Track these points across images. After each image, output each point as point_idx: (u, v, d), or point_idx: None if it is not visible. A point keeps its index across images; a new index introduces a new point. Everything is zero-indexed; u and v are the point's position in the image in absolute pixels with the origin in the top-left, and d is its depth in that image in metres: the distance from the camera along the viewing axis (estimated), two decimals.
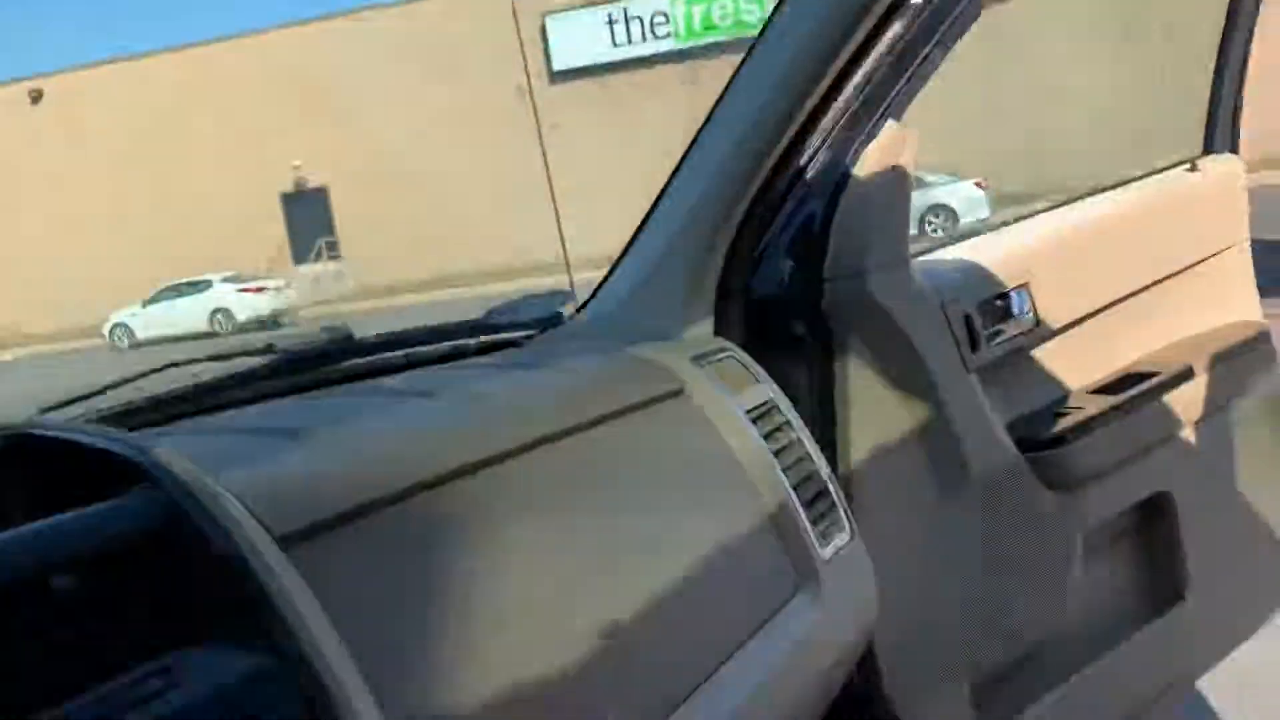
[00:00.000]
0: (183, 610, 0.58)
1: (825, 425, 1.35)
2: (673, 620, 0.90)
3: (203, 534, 0.59)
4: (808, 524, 1.12)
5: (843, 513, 1.19)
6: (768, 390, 1.20)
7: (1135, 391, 1.63)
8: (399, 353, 1.24)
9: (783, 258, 1.39)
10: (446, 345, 1.29)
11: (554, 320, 1.34)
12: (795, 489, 1.13)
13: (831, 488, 1.19)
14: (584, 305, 1.36)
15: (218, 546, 0.59)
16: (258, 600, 0.59)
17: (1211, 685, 1.99)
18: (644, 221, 1.37)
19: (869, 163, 1.38)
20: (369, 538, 0.73)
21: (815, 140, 1.35)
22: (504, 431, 0.90)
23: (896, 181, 1.39)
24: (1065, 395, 1.65)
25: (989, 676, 1.47)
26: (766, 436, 1.14)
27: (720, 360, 1.20)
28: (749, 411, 1.15)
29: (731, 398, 1.15)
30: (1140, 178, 1.86)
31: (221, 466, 0.68)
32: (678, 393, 1.11)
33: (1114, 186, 1.84)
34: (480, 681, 0.72)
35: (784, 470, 1.13)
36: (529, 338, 1.33)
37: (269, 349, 1.15)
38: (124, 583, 0.57)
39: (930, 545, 1.42)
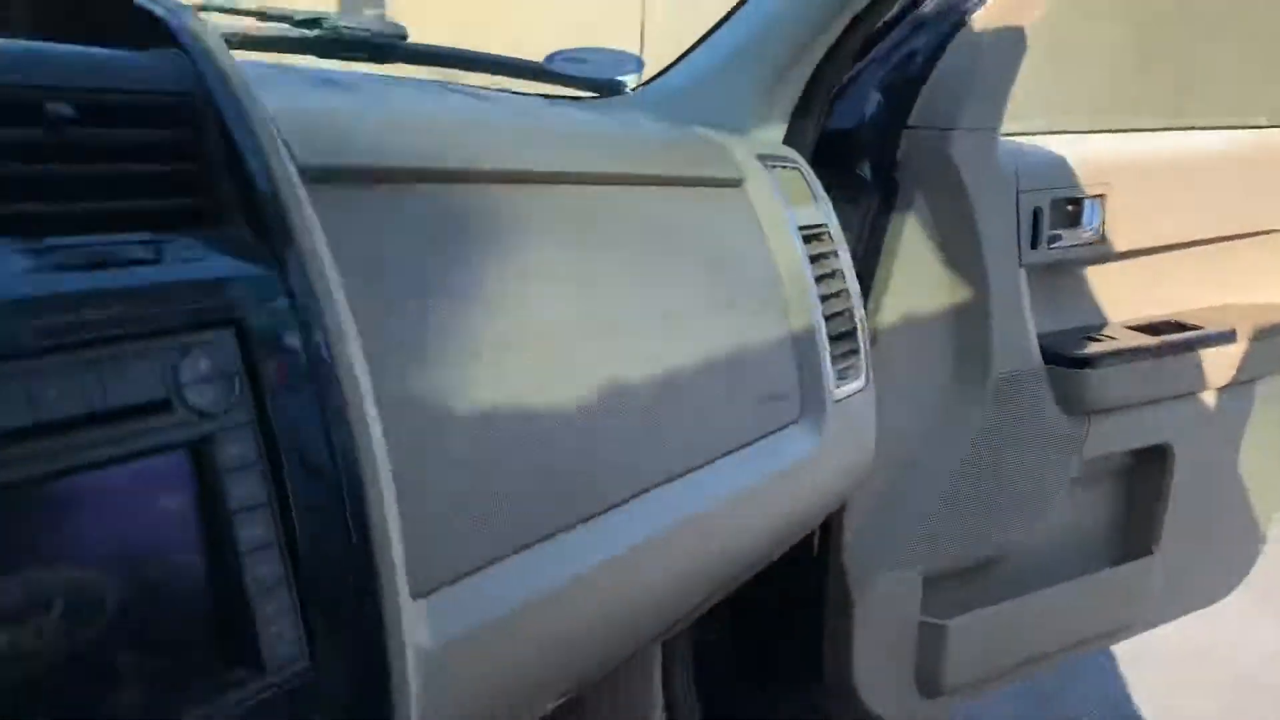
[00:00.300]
0: (180, 195, 0.51)
1: (864, 275, 1.28)
2: (674, 400, 0.84)
3: (222, 118, 0.51)
4: (828, 359, 1.06)
5: (864, 359, 1.13)
6: (825, 213, 1.13)
7: (1171, 339, 1.56)
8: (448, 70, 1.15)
9: (871, 91, 1.30)
10: (500, 80, 1.19)
11: (616, 87, 1.24)
12: (826, 320, 1.06)
13: (860, 331, 1.13)
14: (652, 80, 1.26)
15: (234, 137, 0.51)
16: (263, 212, 0.52)
17: (1164, 652, 2.01)
18: (732, 11, 1.25)
19: (991, 14, 1.27)
20: (394, 204, 0.66)
21: None
22: (558, 155, 0.82)
23: (1014, 41, 1.29)
24: (1103, 323, 1.58)
25: (944, 572, 1.44)
26: (812, 259, 1.07)
27: (785, 168, 1.11)
28: (801, 228, 1.07)
29: (788, 208, 1.07)
30: (1245, 126, 1.76)
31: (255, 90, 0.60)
32: (736, 183, 1.02)
33: (1219, 127, 1.73)
34: (474, 388, 0.66)
35: (820, 298, 1.06)
36: (585, 99, 1.23)
37: (316, 22, 1.05)
38: (123, 143, 0.49)
39: (928, 426, 1.37)
